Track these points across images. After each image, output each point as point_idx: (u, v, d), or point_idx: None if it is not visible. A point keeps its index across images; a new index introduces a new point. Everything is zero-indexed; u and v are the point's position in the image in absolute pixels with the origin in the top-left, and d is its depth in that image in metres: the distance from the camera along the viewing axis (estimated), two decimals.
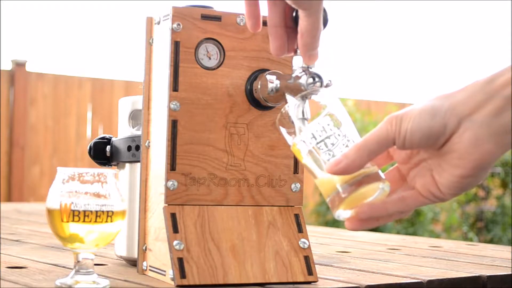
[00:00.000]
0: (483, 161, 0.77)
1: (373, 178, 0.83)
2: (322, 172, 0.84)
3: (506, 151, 0.78)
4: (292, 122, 0.89)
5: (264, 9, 0.92)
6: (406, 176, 0.86)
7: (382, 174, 0.85)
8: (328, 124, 0.85)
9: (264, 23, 0.93)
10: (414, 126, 0.78)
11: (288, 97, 0.94)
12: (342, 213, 0.84)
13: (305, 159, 0.86)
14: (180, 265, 0.97)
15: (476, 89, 0.78)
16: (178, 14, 1.00)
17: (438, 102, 0.79)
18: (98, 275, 0.97)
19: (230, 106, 1.03)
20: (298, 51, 0.91)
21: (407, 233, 4.99)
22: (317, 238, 1.69)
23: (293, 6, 0.87)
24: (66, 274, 1.01)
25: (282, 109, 0.90)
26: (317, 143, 0.84)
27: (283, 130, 0.89)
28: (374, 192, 0.83)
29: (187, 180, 1.01)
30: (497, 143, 0.77)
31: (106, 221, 0.93)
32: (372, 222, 0.83)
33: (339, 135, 0.84)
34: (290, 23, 0.90)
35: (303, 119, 0.89)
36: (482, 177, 0.79)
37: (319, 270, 1.11)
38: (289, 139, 0.89)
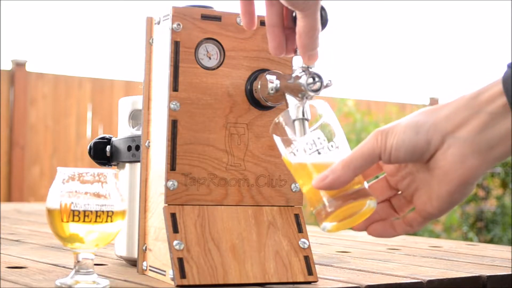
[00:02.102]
0: (468, 177, 0.78)
1: (360, 194, 0.83)
2: (309, 184, 0.84)
3: (491, 167, 0.78)
4: (286, 131, 0.89)
5: (262, 9, 0.92)
6: (394, 187, 0.86)
7: (369, 190, 0.85)
8: (319, 138, 0.85)
9: (263, 23, 0.92)
10: (399, 141, 0.79)
11: (288, 97, 0.94)
12: (328, 225, 0.84)
13: (294, 171, 0.87)
14: (180, 265, 0.97)
15: (461, 105, 0.78)
16: (178, 14, 1.01)
17: (422, 118, 0.79)
18: (98, 275, 0.97)
19: (230, 106, 1.03)
20: (298, 51, 0.91)
21: (407, 233, 4.98)
22: (317, 238, 1.69)
23: (289, 7, 0.86)
24: (66, 274, 1.01)
25: (276, 119, 0.90)
26: (309, 155, 0.84)
27: (277, 139, 0.89)
28: (361, 208, 0.83)
29: (187, 180, 1.01)
30: (482, 159, 0.77)
31: (106, 221, 0.93)
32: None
33: (332, 146, 0.84)
34: (290, 23, 0.90)
35: (303, 119, 0.89)
36: (470, 191, 0.80)
37: (319, 270, 1.11)
38: (282, 148, 0.88)
